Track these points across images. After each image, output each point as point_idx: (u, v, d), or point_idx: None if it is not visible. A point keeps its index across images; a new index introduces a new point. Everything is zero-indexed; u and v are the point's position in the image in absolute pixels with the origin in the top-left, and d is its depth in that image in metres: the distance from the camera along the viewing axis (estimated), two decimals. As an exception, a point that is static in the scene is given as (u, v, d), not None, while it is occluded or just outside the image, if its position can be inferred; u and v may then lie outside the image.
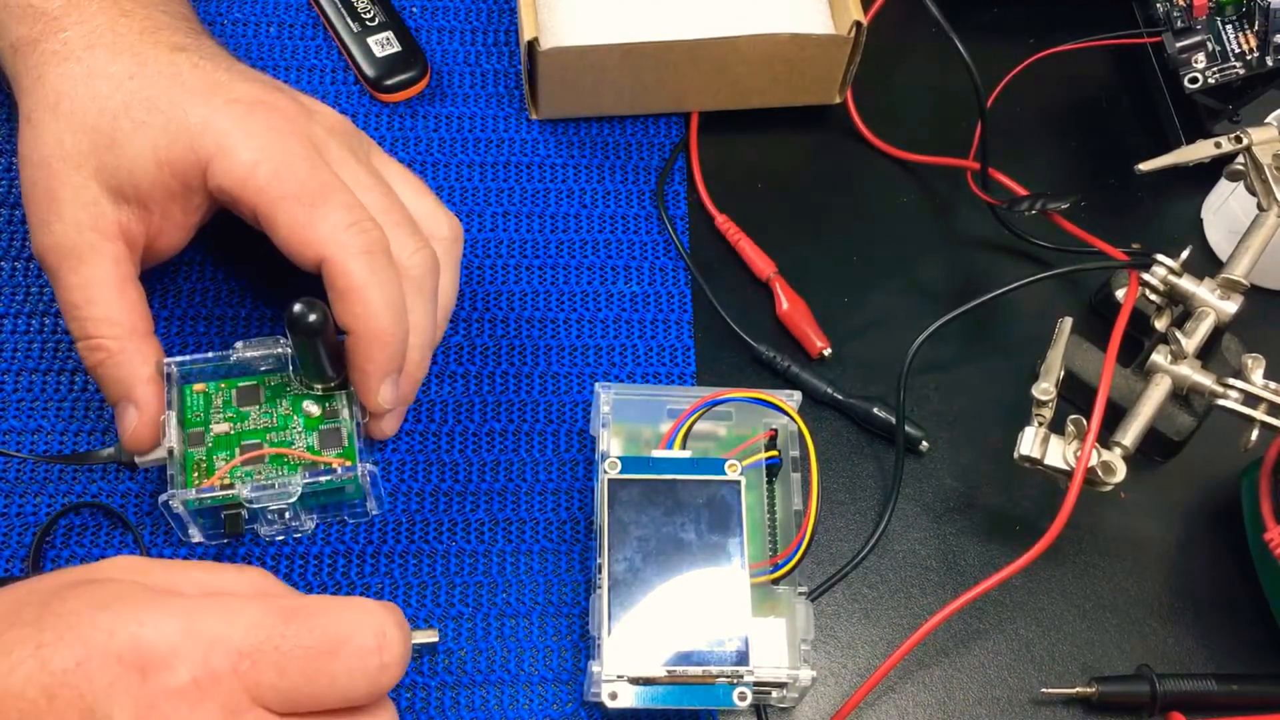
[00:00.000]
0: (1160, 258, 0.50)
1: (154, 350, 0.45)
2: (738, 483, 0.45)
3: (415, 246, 0.46)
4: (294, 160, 0.44)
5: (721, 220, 0.56)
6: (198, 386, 0.47)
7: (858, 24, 0.54)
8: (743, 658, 0.43)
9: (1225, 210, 0.56)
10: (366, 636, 0.36)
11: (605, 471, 0.45)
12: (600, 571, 0.44)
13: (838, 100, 0.58)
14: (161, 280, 0.53)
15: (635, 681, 0.43)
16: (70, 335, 0.45)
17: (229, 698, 0.34)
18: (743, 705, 0.43)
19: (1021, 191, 0.55)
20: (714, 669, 0.43)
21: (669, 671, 0.43)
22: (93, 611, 0.34)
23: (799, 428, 0.47)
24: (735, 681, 0.43)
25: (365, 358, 0.44)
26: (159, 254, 0.47)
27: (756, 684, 0.45)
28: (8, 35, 0.47)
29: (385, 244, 0.44)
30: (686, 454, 0.47)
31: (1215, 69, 0.56)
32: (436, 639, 0.46)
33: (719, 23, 0.56)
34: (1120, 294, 0.52)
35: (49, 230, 0.44)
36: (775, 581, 0.46)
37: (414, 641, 0.45)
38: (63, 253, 0.44)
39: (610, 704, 0.43)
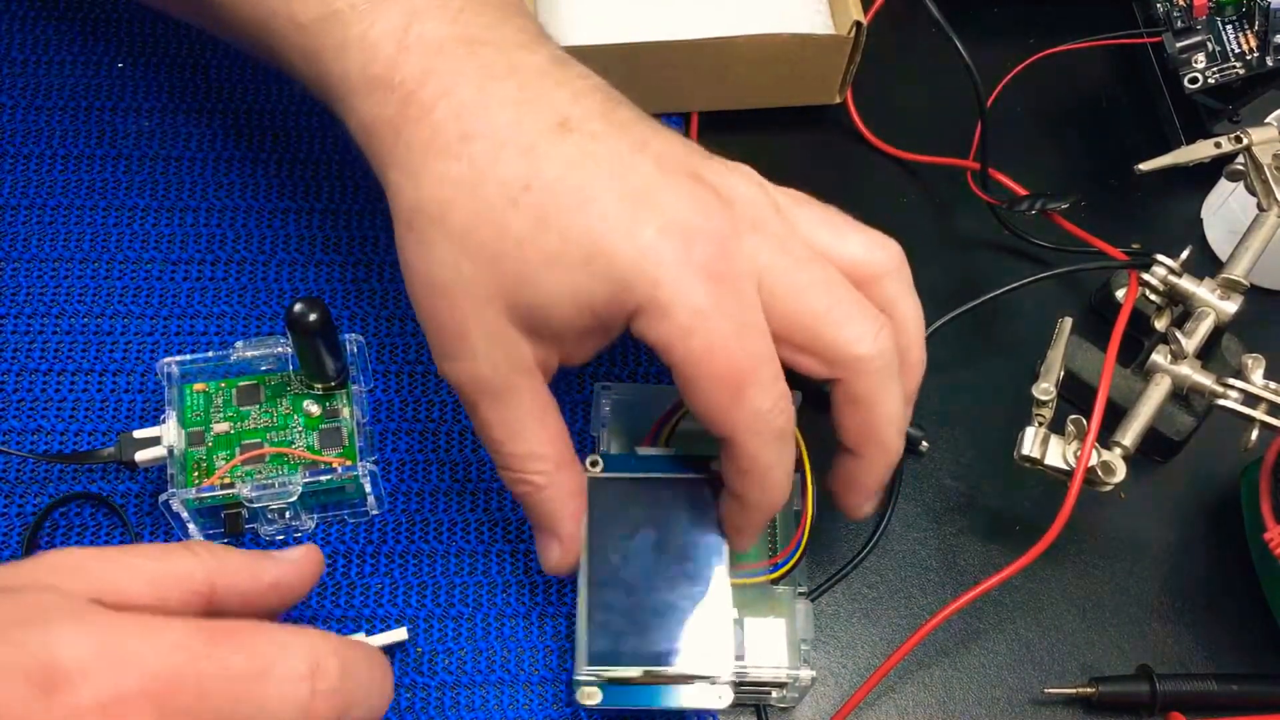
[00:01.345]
0: (1160, 258, 0.50)
1: (577, 481, 0.44)
2: (720, 478, 0.45)
3: (873, 332, 0.41)
4: (727, 329, 0.39)
5: (721, 220, 0.56)
6: (198, 386, 0.47)
7: (858, 24, 0.54)
8: (723, 657, 0.43)
9: (1225, 210, 0.56)
10: (297, 662, 0.34)
11: (587, 470, 0.45)
12: (580, 571, 0.44)
13: (838, 100, 0.58)
14: (161, 280, 0.53)
15: (612, 682, 0.43)
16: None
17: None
18: (721, 705, 0.43)
19: (1021, 191, 0.55)
20: (692, 669, 0.43)
21: (646, 672, 0.43)
22: (11, 628, 0.32)
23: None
24: (715, 681, 0.43)
25: (742, 525, 0.44)
26: (568, 367, 0.44)
27: (756, 684, 0.45)
28: (355, 114, 0.42)
29: (792, 421, 0.41)
30: (669, 451, 0.47)
31: (1215, 69, 0.57)
32: (405, 637, 0.46)
33: (719, 23, 0.56)
34: (1120, 294, 0.52)
35: (461, 365, 0.41)
36: (775, 582, 0.46)
37: (381, 643, 0.45)
38: (479, 388, 0.41)
39: (587, 704, 0.43)
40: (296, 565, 0.40)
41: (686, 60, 0.55)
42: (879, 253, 0.43)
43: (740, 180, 0.42)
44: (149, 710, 0.32)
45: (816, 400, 0.52)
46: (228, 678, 0.33)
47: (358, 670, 0.36)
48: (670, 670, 0.43)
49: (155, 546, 0.38)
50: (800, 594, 0.46)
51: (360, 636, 0.46)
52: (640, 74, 0.56)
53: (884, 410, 0.42)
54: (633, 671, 0.43)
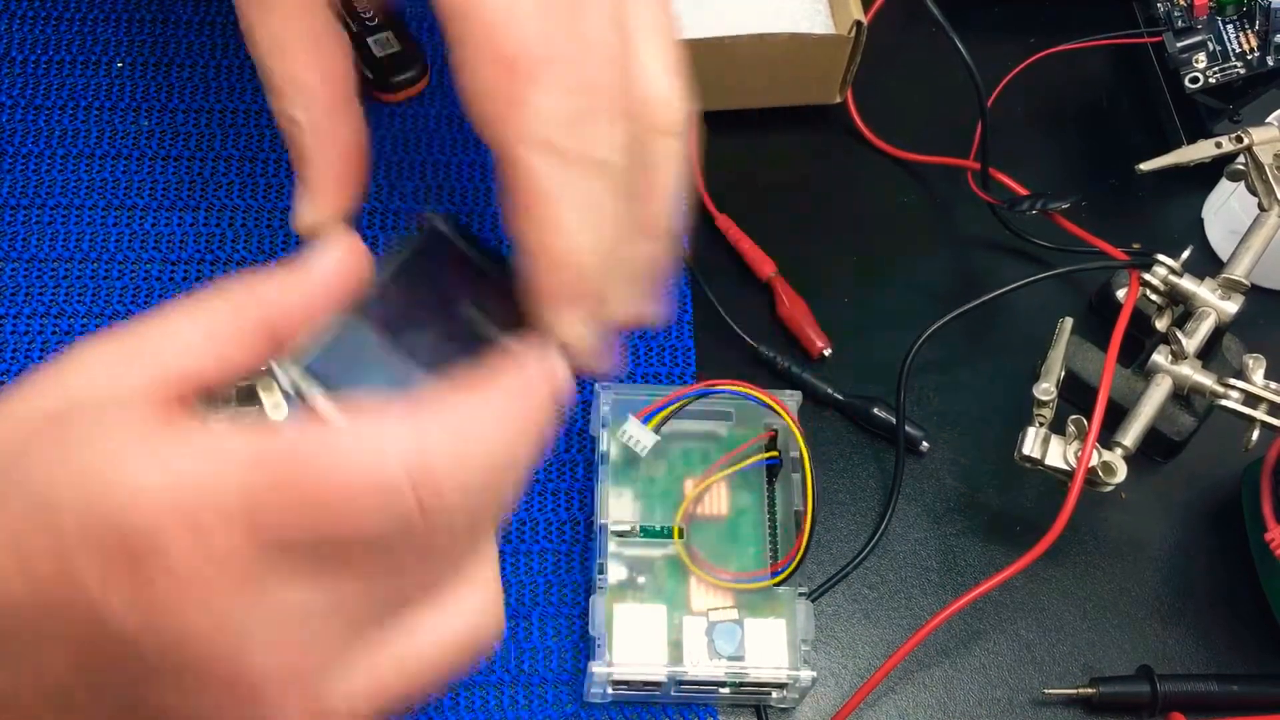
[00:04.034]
0: (1161, 258, 0.50)
1: (348, 132, 0.38)
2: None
3: (612, 137, 0.34)
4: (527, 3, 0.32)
5: (721, 220, 0.56)
6: (197, 386, 0.47)
7: (858, 23, 0.54)
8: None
9: (1226, 210, 0.56)
10: (392, 470, 0.27)
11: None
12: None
13: (838, 100, 0.58)
14: (161, 280, 0.53)
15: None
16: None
17: (236, 563, 0.27)
18: None
19: (1022, 191, 0.55)
20: None
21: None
22: (64, 488, 0.27)
23: (790, 428, 0.47)
24: None
25: (547, 291, 0.34)
26: None
27: (756, 684, 0.45)
28: None
29: (599, 146, 0.33)
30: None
31: (1216, 69, 0.56)
32: None
33: (719, 23, 0.55)
34: (1120, 294, 0.52)
35: None
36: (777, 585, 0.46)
37: None
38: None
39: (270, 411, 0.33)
40: (340, 261, 0.32)
41: (686, 60, 0.55)
42: (669, 103, 0.36)
43: None
44: (243, 546, 0.27)
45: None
46: (307, 507, 0.27)
47: (479, 453, 0.28)
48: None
49: (192, 309, 0.31)
50: (800, 594, 0.46)
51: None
52: None
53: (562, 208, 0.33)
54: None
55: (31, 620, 0.27)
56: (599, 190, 0.33)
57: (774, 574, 0.46)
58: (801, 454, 0.47)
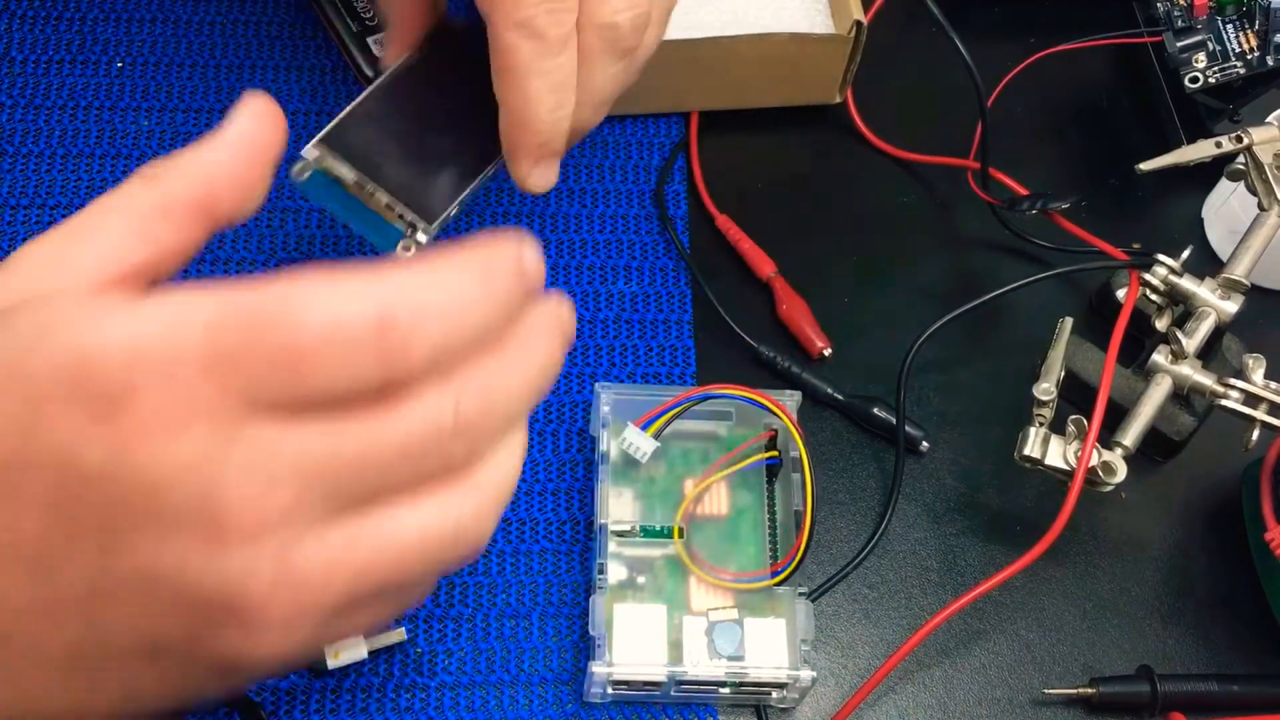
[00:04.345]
0: (1161, 258, 0.50)
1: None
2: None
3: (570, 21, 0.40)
4: None
5: (721, 220, 0.56)
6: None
7: (858, 23, 0.54)
8: (439, 204, 0.42)
9: (1226, 210, 0.56)
10: (362, 317, 0.27)
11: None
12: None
13: (838, 100, 0.58)
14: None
15: (328, 173, 0.41)
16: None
17: (205, 409, 0.27)
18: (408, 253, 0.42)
19: (1022, 191, 0.55)
20: (406, 210, 0.41)
21: (359, 182, 0.41)
22: (28, 348, 0.28)
23: (790, 428, 0.47)
24: (414, 232, 0.42)
25: (512, 140, 0.42)
26: None
27: (756, 684, 0.45)
28: None
29: (571, 27, 0.40)
30: None
31: (1216, 69, 0.56)
32: (405, 637, 0.46)
33: (718, 23, 0.56)
34: (1120, 294, 0.52)
35: None
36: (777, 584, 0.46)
37: (380, 644, 0.45)
38: None
39: (293, 178, 0.41)
40: (246, 130, 0.34)
41: (686, 60, 0.55)
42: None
43: None
44: (217, 394, 0.27)
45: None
46: (277, 349, 0.27)
47: (450, 301, 0.29)
48: (383, 196, 0.41)
49: (115, 198, 0.32)
50: (800, 594, 0.46)
51: (359, 638, 0.46)
52: (641, 74, 0.55)
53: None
54: (349, 175, 0.41)
55: (5, 470, 0.27)
56: (558, 65, 0.40)
57: (774, 574, 0.46)
58: (801, 454, 0.47)
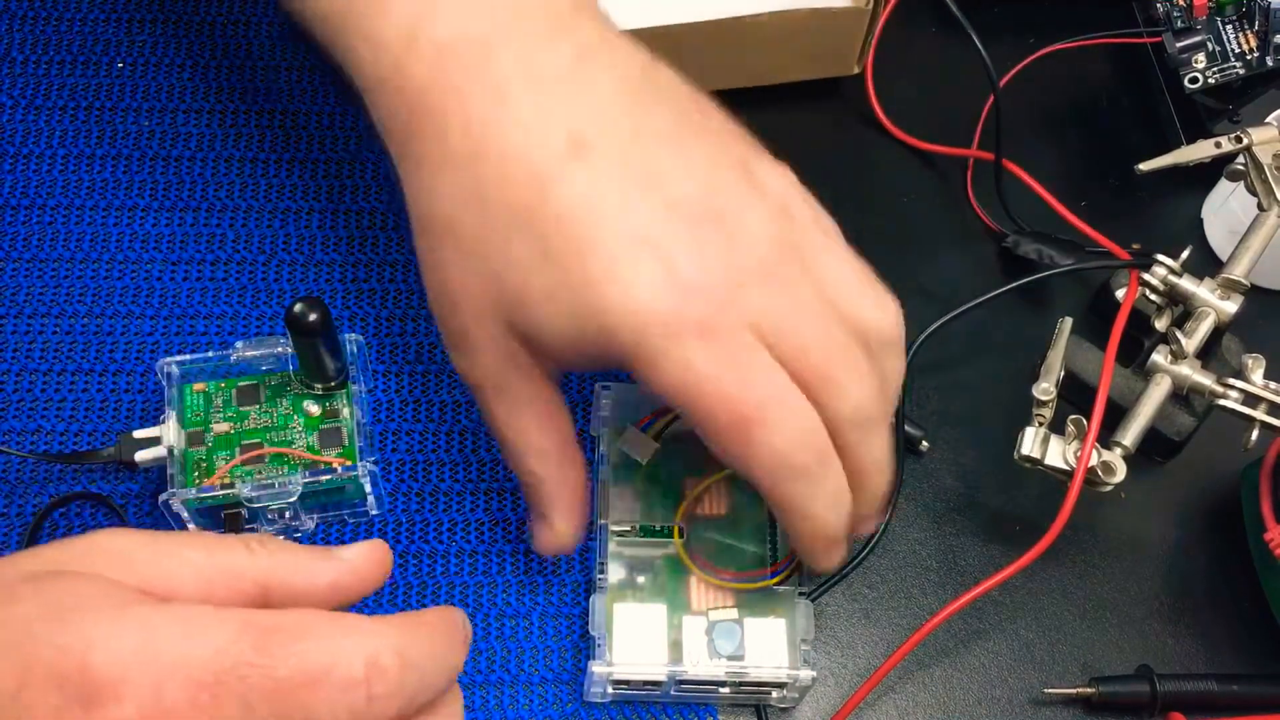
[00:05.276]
0: (1160, 258, 0.50)
1: (577, 477, 0.45)
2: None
3: (871, 397, 0.41)
4: (723, 379, 0.38)
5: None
6: (198, 386, 0.47)
7: None
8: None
9: (1225, 210, 0.56)
10: (353, 666, 0.32)
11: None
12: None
13: (856, 70, 0.58)
14: (161, 280, 0.53)
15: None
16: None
17: None
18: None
19: (1036, 186, 0.55)
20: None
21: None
22: (44, 622, 0.30)
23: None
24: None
25: (805, 550, 0.43)
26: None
27: (756, 684, 0.45)
28: (371, 112, 0.42)
29: (823, 451, 0.40)
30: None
31: (1215, 69, 0.56)
32: None
33: (738, 1, 0.55)
34: (1120, 294, 0.52)
35: (463, 361, 0.43)
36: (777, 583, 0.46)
37: None
38: (480, 383, 0.43)
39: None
40: (356, 567, 0.37)
41: (707, 41, 0.55)
42: (886, 317, 0.42)
43: (762, 217, 0.40)
44: (204, 713, 0.30)
45: None
46: (275, 687, 0.31)
47: (420, 659, 0.33)
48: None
49: (209, 537, 0.35)
50: (800, 594, 0.46)
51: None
52: (659, 56, 0.55)
53: (870, 456, 0.42)
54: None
55: None
56: (829, 484, 0.41)
57: (774, 574, 0.46)
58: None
